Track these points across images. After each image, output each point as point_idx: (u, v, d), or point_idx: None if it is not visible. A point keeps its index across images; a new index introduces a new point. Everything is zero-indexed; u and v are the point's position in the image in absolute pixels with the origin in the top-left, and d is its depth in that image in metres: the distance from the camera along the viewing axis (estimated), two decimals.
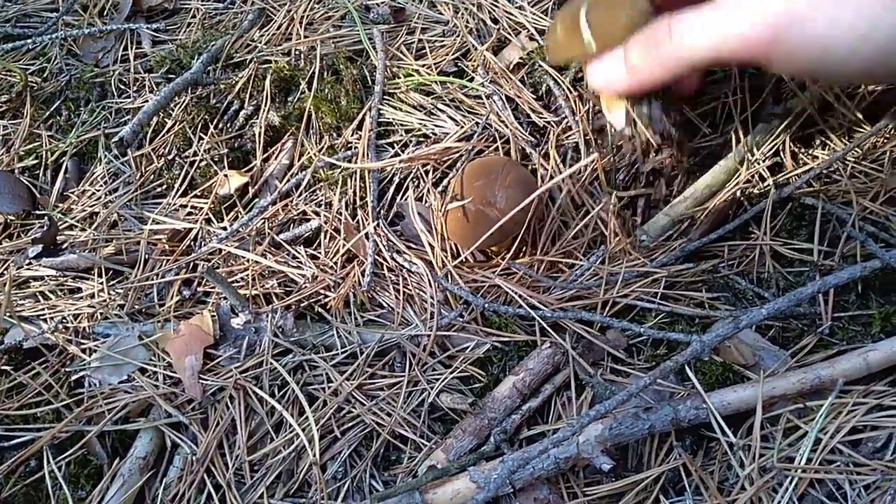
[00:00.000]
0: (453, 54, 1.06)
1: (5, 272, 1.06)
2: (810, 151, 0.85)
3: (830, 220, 0.80)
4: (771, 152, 0.86)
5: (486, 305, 0.84)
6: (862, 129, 0.84)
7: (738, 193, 0.84)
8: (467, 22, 1.08)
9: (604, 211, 0.88)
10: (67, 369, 0.94)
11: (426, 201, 0.96)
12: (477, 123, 0.97)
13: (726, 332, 0.70)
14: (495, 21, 1.08)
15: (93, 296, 1.01)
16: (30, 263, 1.07)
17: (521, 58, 1.03)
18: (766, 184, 0.83)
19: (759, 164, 0.84)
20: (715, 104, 0.90)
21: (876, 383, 0.68)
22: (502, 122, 0.98)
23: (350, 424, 0.83)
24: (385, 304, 0.91)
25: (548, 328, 0.81)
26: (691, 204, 0.86)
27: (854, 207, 0.79)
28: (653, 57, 0.67)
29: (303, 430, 0.81)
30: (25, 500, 0.84)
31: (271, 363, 0.87)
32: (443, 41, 1.09)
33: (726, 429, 0.68)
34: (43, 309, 1.01)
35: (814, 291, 0.69)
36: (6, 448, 0.90)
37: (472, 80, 1.04)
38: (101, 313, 0.99)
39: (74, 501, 0.83)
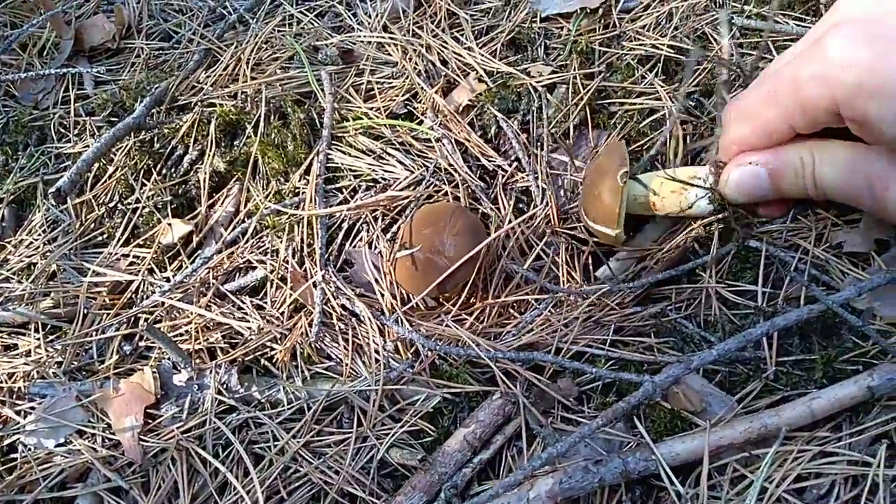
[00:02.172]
0: (403, 96, 1.06)
1: None
2: None
3: (774, 263, 0.81)
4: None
5: (437, 347, 0.82)
6: None
7: (688, 238, 0.85)
8: (416, 64, 1.07)
9: (556, 256, 0.88)
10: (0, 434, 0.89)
11: (376, 248, 0.95)
12: (426, 168, 0.96)
13: (678, 372, 0.70)
14: (444, 62, 1.08)
15: (29, 353, 0.97)
16: None
17: (469, 100, 1.02)
18: (711, 228, 0.84)
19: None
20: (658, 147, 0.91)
21: (819, 429, 0.68)
22: (451, 165, 0.97)
23: (297, 484, 0.80)
24: (333, 356, 0.88)
25: (499, 374, 0.80)
26: (642, 248, 0.86)
27: (796, 252, 0.80)
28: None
29: (247, 492, 0.78)
30: None
31: (214, 422, 0.84)
32: (391, 83, 1.08)
33: (675, 479, 0.68)
34: None
35: (762, 333, 0.70)
36: None
37: (421, 122, 1.03)
38: (37, 372, 0.94)
39: None
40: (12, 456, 0.88)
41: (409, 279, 0.88)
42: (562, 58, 1.05)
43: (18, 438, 0.89)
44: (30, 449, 0.88)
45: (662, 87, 0.97)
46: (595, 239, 0.87)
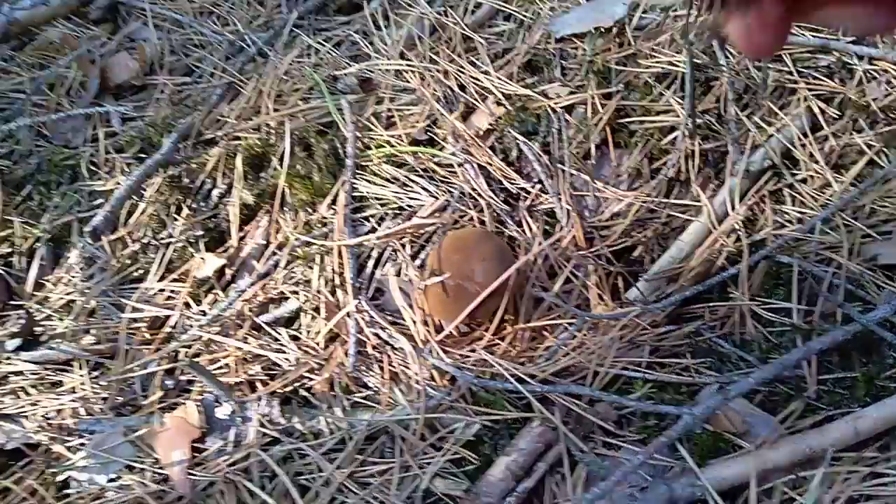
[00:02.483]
0: (423, 122, 1.07)
1: None
2: (782, 207, 0.87)
3: (807, 279, 0.81)
4: (743, 209, 0.87)
5: (474, 381, 0.84)
6: (829, 180, 0.85)
7: (715, 254, 0.85)
8: (434, 90, 1.09)
9: (586, 278, 0.89)
10: (52, 470, 0.92)
11: (405, 275, 0.96)
12: (451, 193, 0.98)
13: (716, 403, 0.71)
14: (462, 87, 1.09)
15: (74, 390, 1.00)
16: (8, 358, 1.05)
17: (489, 123, 1.04)
18: (740, 243, 0.85)
19: (733, 222, 0.85)
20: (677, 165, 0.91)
21: (866, 450, 0.68)
22: (475, 190, 0.99)
23: None
24: (371, 385, 0.90)
25: (536, 404, 0.81)
26: (670, 266, 0.87)
27: (830, 266, 0.80)
28: None
29: None
30: None
31: (259, 454, 0.86)
32: (411, 110, 1.10)
33: None
34: (24, 405, 0.99)
35: (798, 358, 0.70)
36: None
37: (442, 148, 1.04)
38: (84, 408, 0.97)
39: None
40: (66, 492, 0.91)
41: (440, 306, 0.89)
42: (579, 78, 1.06)
43: (70, 475, 0.91)
44: (83, 485, 0.90)
45: (680, 104, 0.98)
46: None
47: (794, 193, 0.87)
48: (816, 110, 0.96)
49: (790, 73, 1.00)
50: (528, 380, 0.83)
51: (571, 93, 1.03)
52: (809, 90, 0.98)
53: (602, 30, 1.07)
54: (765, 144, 0.90)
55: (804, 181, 0.87)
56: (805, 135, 0.93)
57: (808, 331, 0.77)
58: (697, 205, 0.92)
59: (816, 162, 0.86)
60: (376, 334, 0.92)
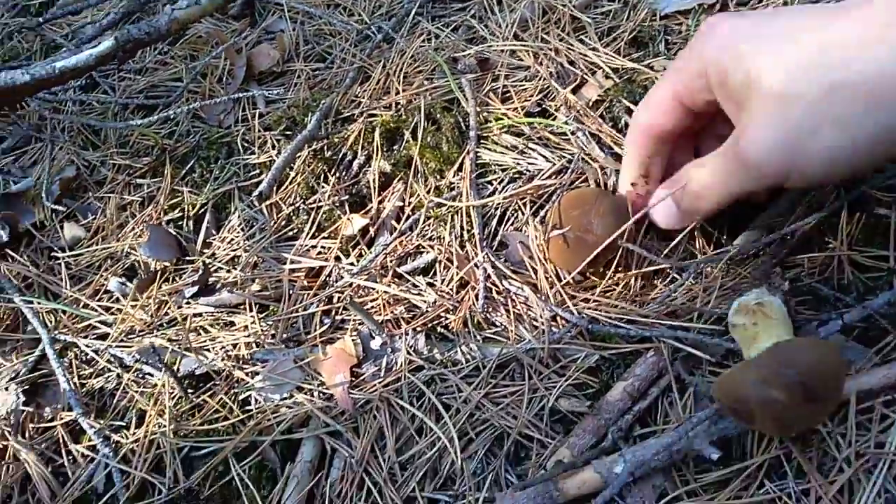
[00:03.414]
0: (536, 96, 1.20)
1: (170, 311, 1.26)
2: None
3: None
4: None
5: (590, 326, 0.97)
6: None
7: (815, 204, 0.94)
8: (547, 66, 1.21)
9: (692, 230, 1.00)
10: (235, 390, 1.13)
11: (526, 231, 1.10)
12: (567, 159, 1.11)
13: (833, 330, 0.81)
14: (572, 63, 1.21)
15: (246, 328, 1.20)
16: (188, 303, 1.28)
17: (598, 95, 1.15)
18: (839, 198, 0.93)
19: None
20: None
21: None
22: (588, 155, 1.11)
23: (482, 427, 0.97)
24: (499, 323, 1.05)
25: (647, 341, 0.93)
26: (770, 219, 0.97)
27: None
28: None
29: (442, 432, 0.97)
30: (221, 498, 1.03)
31: (408, 377, 1.03)
32: (524, 85, 1.23)
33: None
34: (205, 341, 1.21)
35: (884, 302, 0.80)
36: (197, 457, 1.09)
37: (555, 118, 1.17)
38: (256, 342, 1.17)
39: (260, 498, 1.01)
40: (248, 407, 1.11)
41: (560, 256, 1.03)
42: None
43: (251, 394, 1.12)
44: (261, 401, 1.11)
45: None
46: None
47: None
48: None
49: None
50: (641, 320, 0.95)
51: None
52: None
53: (706, 6, 1.15)
54: None
55: None
56: None
57: None
58: None
59: None
60: (502, 282, 1.07)
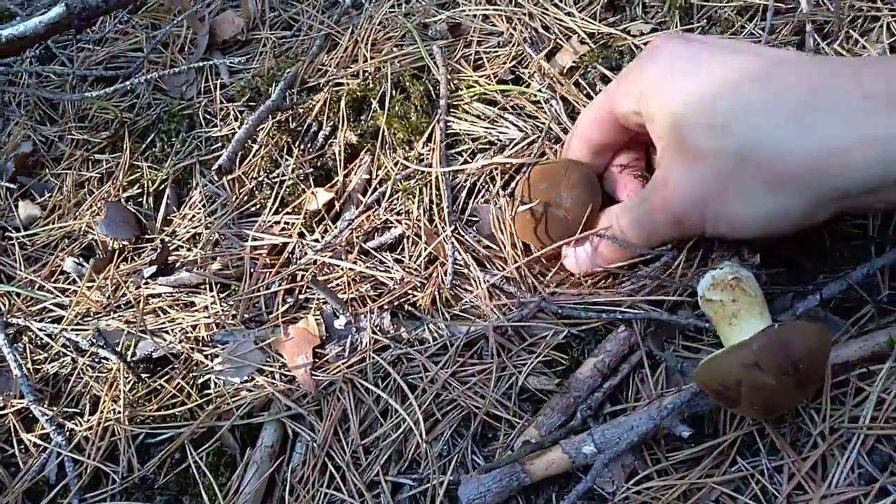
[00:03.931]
0: (510, 63, 1.14)
1: (127, 292, 1.21)
2: None
3: None
4: None
5: (559, 308, 0.92)
6: None
7: None
8: (521, 31, 1.15)
9: None
10: (194, 374, 1.08)
11: (497, 203, 1.06)
12: (538, 128, 1.05)
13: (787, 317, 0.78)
14: (546, 28, 1.15)
15: (206, 308, 1.15)
16: (146, 283, 1.22)
17: (573, 62, 1.10)
18: None
19: None
20: None
21: None
22: (561, 125, 1.06)
23: (449, 408, 0.93)
24: (468, 301, 1.01)
25: (621, 316, 0.89)
26: None
27: None
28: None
29: (408, 414, 0.93)
30: (177, 487, 0.99)
31: (373, 358, 0.99)
32: (497, 51, 1.17)
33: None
34: (164, 322, 1.16)
35: (864, 273, 0.76)
36: (153, 444, 1.04)
37: (529, 86, 1.12)
38: (216, 323, 1.12)
39: (217, 486, 0.97)
40: (206, 391, 1.07)
41: (528, 232, 0.98)
42: (661, 15, 1.10)
43: (210, 377, 1.07)
44: (221, 385, 1.06)
45: (762, 35, 1.01)
46: None
47: None
48: None
49: (873, 1, 1.02)
50: (611, 299, 0.91)
51: (654, 29, 1.07)
52: (893, 17, 0.99)
53: None
54: None
55: None
56: None
57: (880, 243, 0.82)
58: None
59: None
60: (471, 256, 1.02)
